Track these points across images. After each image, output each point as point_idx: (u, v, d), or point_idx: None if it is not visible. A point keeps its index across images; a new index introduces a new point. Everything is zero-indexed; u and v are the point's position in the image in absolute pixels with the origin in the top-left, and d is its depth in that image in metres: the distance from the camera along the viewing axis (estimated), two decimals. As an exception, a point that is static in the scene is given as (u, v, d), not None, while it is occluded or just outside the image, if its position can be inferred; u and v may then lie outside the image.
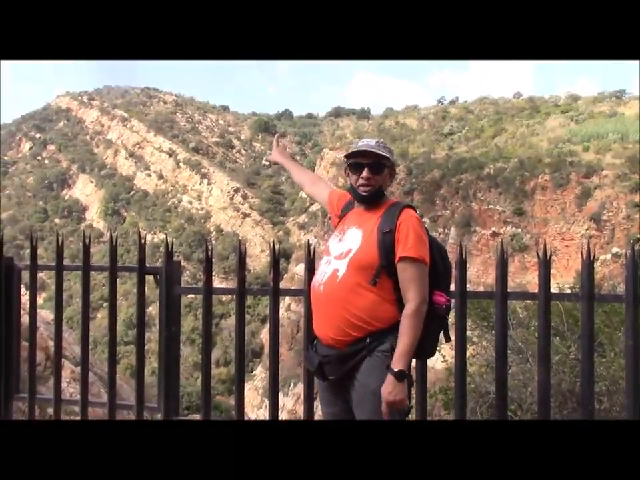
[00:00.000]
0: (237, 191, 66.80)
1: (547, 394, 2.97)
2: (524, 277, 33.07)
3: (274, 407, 3.27)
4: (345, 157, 2.73)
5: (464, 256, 3.00)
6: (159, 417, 3.43)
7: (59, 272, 3.56)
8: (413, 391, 2.80)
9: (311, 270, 3.07)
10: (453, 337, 2.88)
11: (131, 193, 72.12)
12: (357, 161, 2.66)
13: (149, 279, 3.42)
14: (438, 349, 2.73)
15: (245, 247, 3.36)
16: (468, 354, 3.93)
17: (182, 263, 3.79)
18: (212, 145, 79.08)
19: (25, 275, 3.70)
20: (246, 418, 4.08)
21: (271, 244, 3.24)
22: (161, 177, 72.45)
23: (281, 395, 11.45)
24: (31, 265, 3.61)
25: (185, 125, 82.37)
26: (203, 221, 65.54)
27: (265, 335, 40.96)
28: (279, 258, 3.25)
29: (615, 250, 31.88)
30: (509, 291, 3.00)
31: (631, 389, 2.86)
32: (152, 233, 60.64)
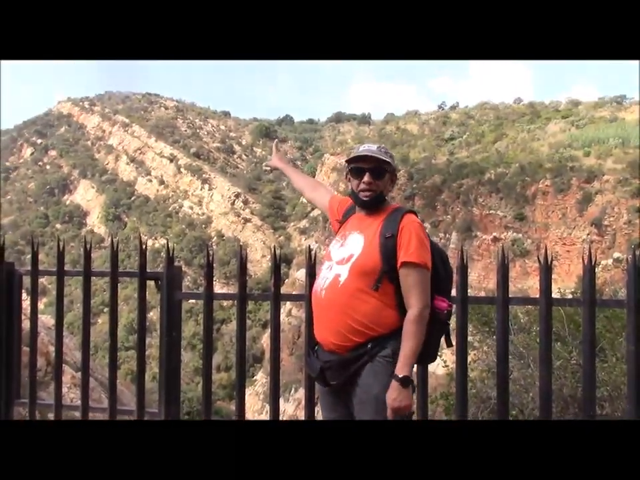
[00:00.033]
0: (237, 196, 66.79)
1: (549, 399, 2.96)
2: (525, 282, 33.02)
3: (275, 412, 3.27)
4: (346, 161, 2.73)
5: (465, 261, 3.00)
6: (159, 422, 3.42)
7: (60, 277, 3.56)
8: (414, 397, 2.80)
9: (312, 275, 3.07)
10: (454, 342, 2.88)
11: (132, 198, 72.15)
12: (358, 165, 2.66)
13: (150, 284, 3.42)
14: (439, 354, 2.72)
15: (246, 252, 3.36)
16: (469, 359, 3.92)
17: (183, 268, 3.79)
18: (213, 150, 79.13)
19: (26, 280, 3.69)
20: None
21: (272, 249, 3.24)
22: (162, 182, 72.48)
23: (281, 401, 11.44)
24: (32, 270, 3.61)
25: (186, 131, 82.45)
26: (203, 226, 65.53)
27: (265, 340, 40.91)
28: (279, 263, 3.25)
29: (616, 255, 31.84)
30: (510, 296, 3.00)
31: (633, 394, 2.85)
32: (153, 238, 60.65)
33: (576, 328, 4.82)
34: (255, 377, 40.39)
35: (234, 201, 66.50)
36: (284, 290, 3.38)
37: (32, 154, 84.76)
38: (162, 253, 3.44)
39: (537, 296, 2.98)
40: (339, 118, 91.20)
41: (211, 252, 3.41)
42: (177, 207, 69.04)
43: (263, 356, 41.84)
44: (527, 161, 41.20)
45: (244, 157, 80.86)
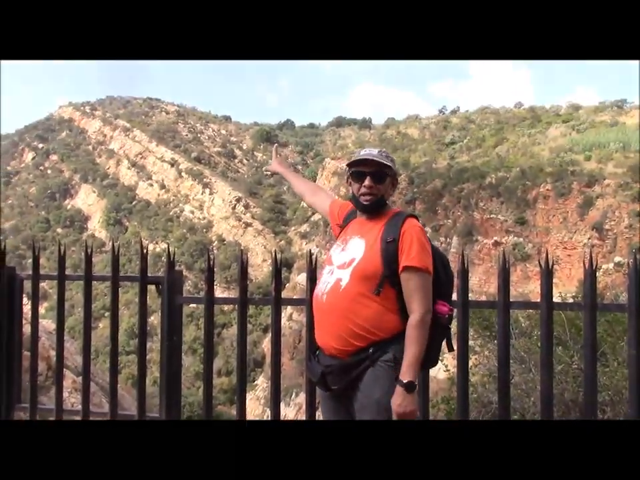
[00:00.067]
0: (238, 200, 66.84)
1: (550, 403, 2.96)
2: (526, 287, 33.01)
3: (276, 416, 3.26)
4: (347, 165, 2.73)
5: (466, 265, 2.99)
6: (160, 427, 3.41)
7: (61, 281, 3.56)
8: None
9: (312, 279, 3.07)
10: (455, 347, 2.88)
11: (133, 203, 72.22)
12: (359, 169, 2.66)
13: (151, 288, 3.42)
14: (440, 358, 2.72)
15: (247, 256, 3.36)
16: (470, 363, 3.92)
17: (184, 273, 3.79)
18: (214, 154, 79.24)
19: (27, 285, 3.70)
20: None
21: (273, 253, 3.24)
22: (162, 186, 72.56)
23: (282, 405, 11.41)
24: (33, 275, 3.61)
25: (187, 135, 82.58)
26: (204, 230, 65.55)
27: (266, 344, 40.90)
28: (280, 267, 3.25)
29: (617, 259, 31.83)
30: (511, 300, 2.99)
31: (634, 398, 2.84)
32: (154, 242, 60.70)
33: (577, 332, 4.82)
34: (255, 382, 40.35)
35: (235, 206, 66.55)
36: (285, 294, 3.37)
37: (33, 158, 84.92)
38: (163, 258, 3.45)
39: (538, 300, 2.97)
40: (339, 122, 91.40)
41: (211, 256, 3.41)
42: (178, 212, 69.09)
43: (264, 360, 41.83)
44: (528, 165, 41.25)
45: (245, 161, 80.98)
